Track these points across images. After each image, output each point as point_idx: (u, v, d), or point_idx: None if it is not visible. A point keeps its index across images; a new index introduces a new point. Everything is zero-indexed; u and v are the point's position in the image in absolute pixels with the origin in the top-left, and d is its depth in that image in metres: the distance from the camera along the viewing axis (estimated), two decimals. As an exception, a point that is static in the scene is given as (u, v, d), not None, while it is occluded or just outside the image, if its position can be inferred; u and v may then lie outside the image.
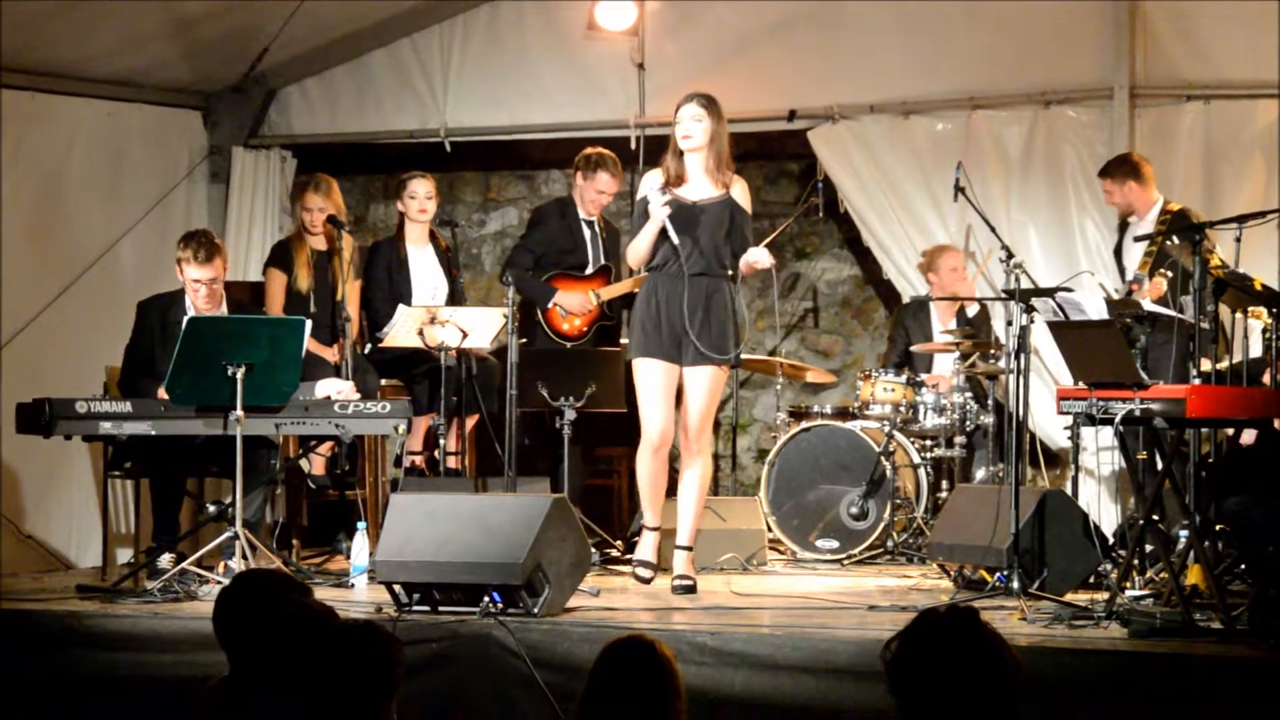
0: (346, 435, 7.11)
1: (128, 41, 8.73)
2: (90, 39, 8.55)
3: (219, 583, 6.41)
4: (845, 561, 8.15)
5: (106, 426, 6.85)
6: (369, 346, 8.27)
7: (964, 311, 8.73)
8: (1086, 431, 7.82)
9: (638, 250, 7.00)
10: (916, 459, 8.39)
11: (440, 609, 6.13)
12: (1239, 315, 6.82)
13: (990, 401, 8.33)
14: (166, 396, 6.86)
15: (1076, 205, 8.68)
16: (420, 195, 8.35)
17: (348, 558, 7.30)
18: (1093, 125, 8.68)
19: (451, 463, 8.03)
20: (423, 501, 6.47)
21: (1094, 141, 8.65)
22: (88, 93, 8.96)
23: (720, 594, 6.93)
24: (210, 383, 6.72)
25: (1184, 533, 6.74)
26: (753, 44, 9.15)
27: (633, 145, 9.22)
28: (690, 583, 6.89)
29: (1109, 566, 6.73)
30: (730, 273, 6.99)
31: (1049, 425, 8.51)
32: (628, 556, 7.77)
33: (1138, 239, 7.88)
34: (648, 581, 6.99)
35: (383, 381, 8.13)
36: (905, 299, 9.00)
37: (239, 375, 6.68)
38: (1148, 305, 7.05)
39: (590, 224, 8.58)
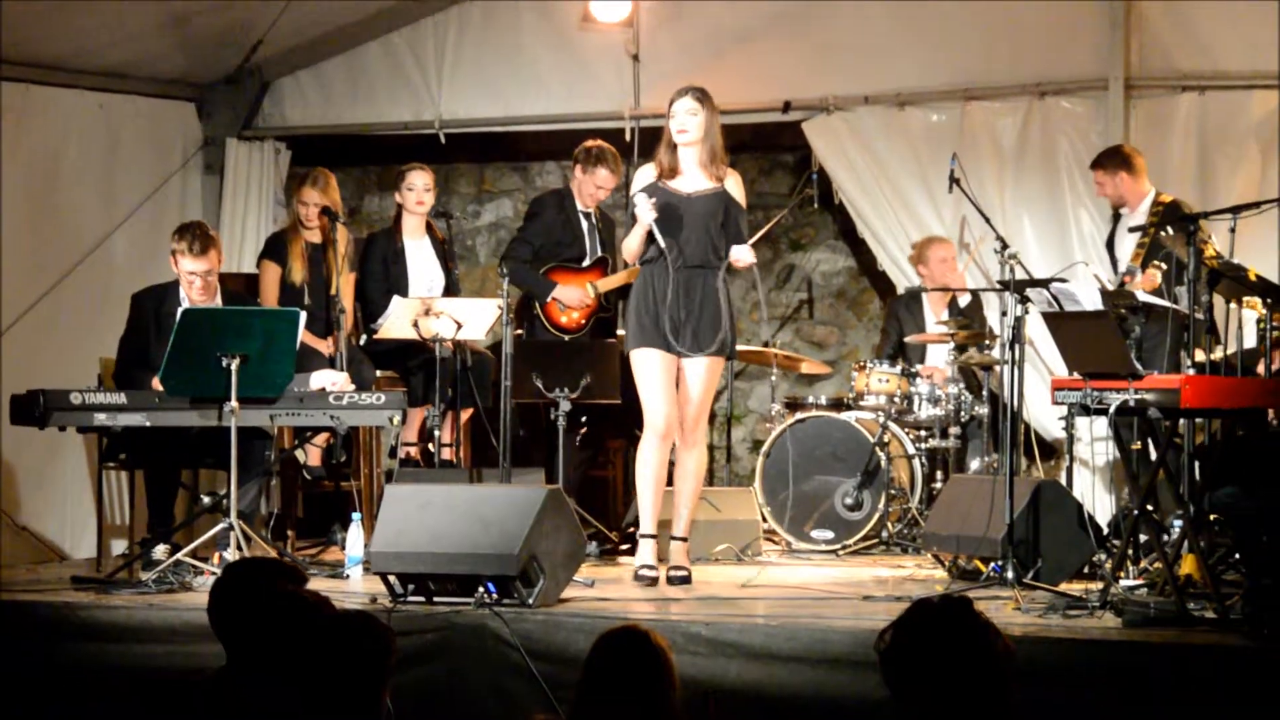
0: (341, 427, 7.10)
1: (122, 34, 8.71)
2: (85, 31, 8.52)
3: (214, 574, 6.39)
4: (840, 552, 8.16)
5: (101, 418, 6.85)
6: (364, 338, 8.27)
7: (955, 302, 8.73)
8: (1081, 422, 7.84)
9: (629, 249, 7.02)
10: (911, 450, 8.40)
11: (435, 600, 6.12)
12: (1233, 306, 6.83)
13: (985, 392, 8.33)
14: (161, 388, 6.86)
15: (1071, 196, 8.67)
16: (418, 187, 8.34)
17: (343, 549, 7.30)
18: (1088, 116, 8.67)
19: (446, 454, 8.03)
20: (417, 493, 6.46)
21: (1089, 132, 8.64)
22: (82, 85, 8.93)
23: (715, 584, 6.93)
24: (205, 374, 6.72)
25: (1178, 523, 6.75)
26: (747, 36, 9.13)
27: (628, 137, 9.20)
28: (685, 573, 6.89)
29: (1103, 556, 6.75)
30: (724, 265, 6.98)
31: (1044, 416, 8.51)
32: (624, 548, 7.78)
33: (1132, 229, 7.88)
34: (655, 583, 6.87)
35: (378, 373, 8.12)
36: (900, 290, 9.00)
37: (234, 367, 6.67)
38: (1142, 296, 7.05)
39: (587, 216, 8.57)
